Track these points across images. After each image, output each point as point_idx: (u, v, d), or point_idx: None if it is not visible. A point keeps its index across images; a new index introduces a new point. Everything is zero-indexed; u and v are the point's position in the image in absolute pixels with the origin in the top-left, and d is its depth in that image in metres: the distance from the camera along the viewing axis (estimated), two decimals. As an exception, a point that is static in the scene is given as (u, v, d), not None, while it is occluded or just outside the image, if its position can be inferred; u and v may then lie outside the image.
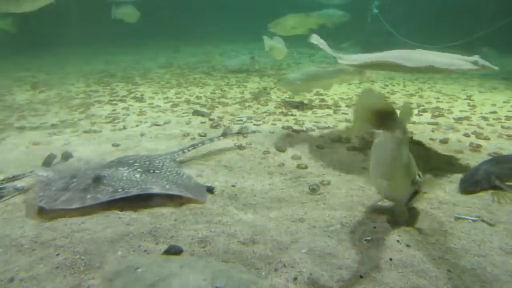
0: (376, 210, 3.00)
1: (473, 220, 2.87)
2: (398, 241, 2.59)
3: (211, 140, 4.15)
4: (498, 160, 3.62)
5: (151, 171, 3.27)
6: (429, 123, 5.43)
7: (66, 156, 3.89)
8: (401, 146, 2.41)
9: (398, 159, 2.42)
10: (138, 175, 3.17)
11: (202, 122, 5.48)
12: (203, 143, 4.06)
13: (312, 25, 8.56)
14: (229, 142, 4.57)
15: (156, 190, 3.01)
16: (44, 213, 2.87)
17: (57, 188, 2.99)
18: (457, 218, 2.90)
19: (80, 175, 3.09)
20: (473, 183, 3.33)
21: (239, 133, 4.35)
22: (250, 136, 4.78)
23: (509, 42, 11.28)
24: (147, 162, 3.41)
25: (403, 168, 2.52)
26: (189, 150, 3.96)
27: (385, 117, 2.17)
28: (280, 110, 6.16)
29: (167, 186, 3.09)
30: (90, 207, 2.88)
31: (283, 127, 5.16)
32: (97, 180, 3.00)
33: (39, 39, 14.31)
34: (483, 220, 2.86)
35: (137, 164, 3.34)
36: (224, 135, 4.21)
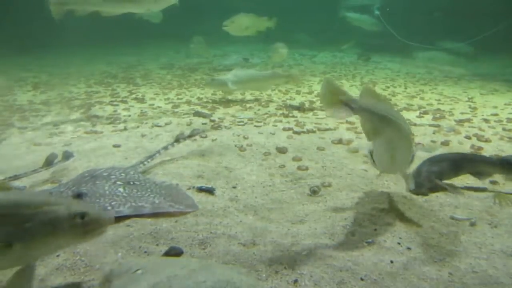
0: (377, 212, 3.00)
1: (465, 219, 2.91)
2: (399, 243, 2.59)
3: (165, 148, 4.03)
4: (435, 159, 3.63)
5: (131, 183, 3.12)
6: (430, 125, 5.43)
7: (67, 156, 3.89)
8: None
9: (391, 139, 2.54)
10: (121, 189, 3.00)
11: (203, 123, 5.47)
12: (158, 152, 3.93)
13: (262, 28, 8.47)
14: (230, 143, 4.57)
15: (147, 209, 2.86)
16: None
17: None
18: (451, 217, 2.94)
19: (54, 194, 2.84)
20: (418, 185, 3.30)
21: (190, 136, 4.28)
22: (251, 137, 4.78)
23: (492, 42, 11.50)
24: (122, 174, 3.25)
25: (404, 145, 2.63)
26: (148, 162, 3.80)
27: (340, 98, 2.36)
28: (281, 112, 6.15)
29: (157, 201, 2.95)
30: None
31: (284, 129, 5.16)
32: (79, 198, 2.77)
33: (40, 39, 14.34)
34: (469, 219, 2.90)
35: (113, 176, 3.17)
36: (177, 140, 4.13)
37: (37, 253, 1.94)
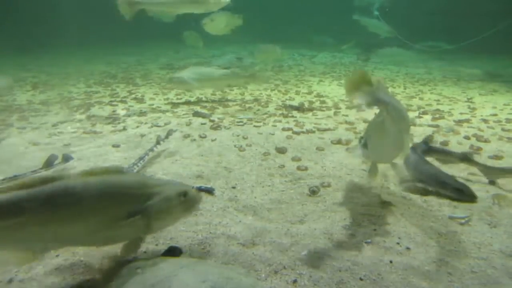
0: (376, 212, 3.00)
1: (462, 217, 2.92)
2: (398, 243, 2.59)
3: (151, 150, 4.13)
4: (422, 159, 3.65)
5: None
6: (429, 126, 5.43)
7: (66, 158, 3.90)
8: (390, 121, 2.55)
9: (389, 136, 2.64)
10: None
11: (202, 124, 5.47)
12: (147, 154, 4.01)
13: (233, 26, 8.48)
14: (229, 143, 4.57)
15: None
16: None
17: None
18: (450, 217, 2.94)
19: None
20: (465, 191, 3.27)
21: (167, 136, 4.46)
22: (250, 137, 4.78)
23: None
24: None
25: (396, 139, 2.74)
26: (140, 164, 3.84)
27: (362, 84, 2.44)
28: (280, 112, 6.16)
29: None
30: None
31: (283, 129, 5.16)
32: None
33: (39, 39, 14.33)
34: (468, 217, 2.92)
35: None
36: (158, 142, 4.29)
37: (153, 227, 2.22)
